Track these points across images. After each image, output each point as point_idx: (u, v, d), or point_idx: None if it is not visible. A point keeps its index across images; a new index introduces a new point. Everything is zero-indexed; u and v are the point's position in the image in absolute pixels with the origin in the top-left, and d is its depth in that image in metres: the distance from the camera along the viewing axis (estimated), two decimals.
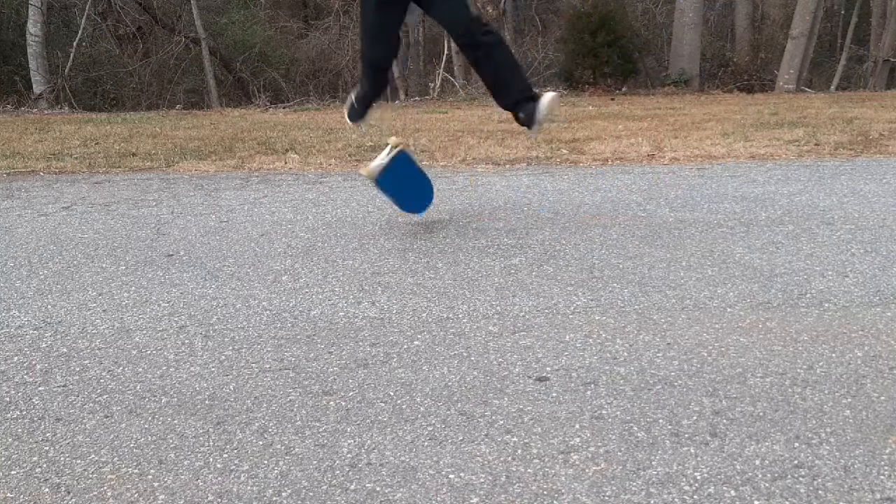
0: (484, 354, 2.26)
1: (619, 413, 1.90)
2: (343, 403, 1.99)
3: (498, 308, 2.65)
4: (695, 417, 1.87)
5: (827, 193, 4.33)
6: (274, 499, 1.59)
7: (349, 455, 1.74)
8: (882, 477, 1.60)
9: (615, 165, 5.49)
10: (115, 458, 1.75)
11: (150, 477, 1.68)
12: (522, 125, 3.29)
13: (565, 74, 13.88)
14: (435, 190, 4.58)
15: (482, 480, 1.63)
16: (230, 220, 4.05)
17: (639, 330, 2.42)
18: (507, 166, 5.52)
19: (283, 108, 11.56)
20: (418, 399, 2.00)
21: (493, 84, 3.30)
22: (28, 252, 3.48)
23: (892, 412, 1.87)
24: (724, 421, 1.85)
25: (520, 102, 3.26)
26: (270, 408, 1.97)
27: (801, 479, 1.61)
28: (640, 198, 4.33)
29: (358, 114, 3.83)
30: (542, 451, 1.73)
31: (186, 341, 2.43)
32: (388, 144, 3.49)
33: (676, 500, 1.55)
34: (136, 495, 1.61)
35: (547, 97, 3.21)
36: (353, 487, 1.62)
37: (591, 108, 9.94)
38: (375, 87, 3.71)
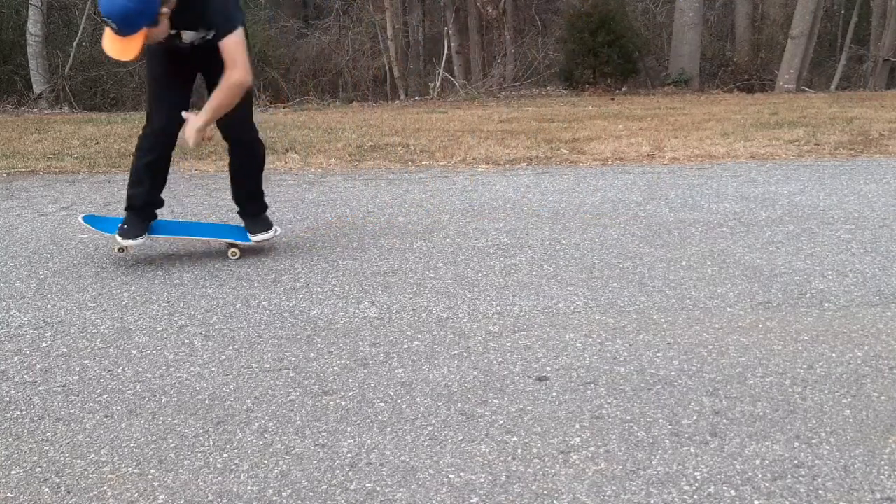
0: (484, 354, 2.26)
1: (619, 413, 1.90)
2: (343, 403, 1.99)
3: (498, 308, 2.65)
4: (695, 417, 1.87)
5: (827, 193, 4.33)
6: (274, 499, 1.59)
7: (349, 455, 1.74)
8: (882, 477, 1.60)
9: (615, 165, 5.50)
10: (116, 458, 1.75)
11: (150, 477, 1.68)
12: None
13: (565, 74, 13.89)
14: (435, 190, 4.59)
15: (482, 480, 1.63)
16: (230, 219, 4.04)
17: (639, 330, 2.42)
18: (507, 166, 5.52)
19: (283, 108, 11.56)
20: (418, 399, 2.00)
21: (232, 177, 3.39)
22: (28, 252, 3.48)
23: (892, 412, 1.87)
24: (724, 421, 1.85)
25: (245, 211, 3.42)
26: (270, 408, 1.97)
27: (801, 478, 1.61)
28: (640, 198, 4.33)
29: (138, 226, 3.21)
30: (542, 451, 1.73)
31: (186, 341, 2.43)
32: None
33: (676, 500, 1.55)
34: (136, 495, 1.61)
35: (261, 237, 3.37)
36: (353, 487, 1.62)
37: (591, 107, 9.95)
38: (156, 175, 3.22)
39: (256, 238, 3.33)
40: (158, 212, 3.33)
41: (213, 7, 2.85)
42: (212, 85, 3.05)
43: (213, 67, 2.96)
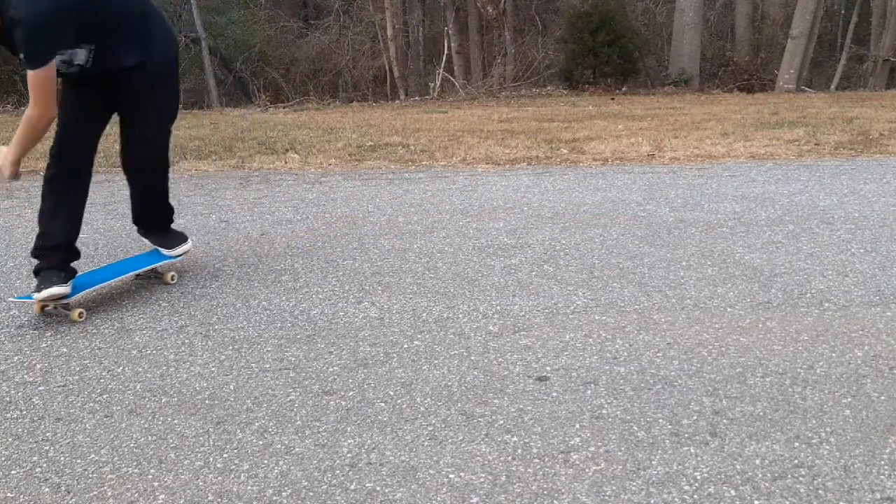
0: (484, 354, 2.26)
1: (619, 413, 1.90)
2: (343, 403, 1.99)
3: (498, 308, 2.65)
4: (695, 417, 1.87)
5: (827, 193, 4.33)
6: (274, 498, 1.59)
7: (349, 455, 1.74)
8: (882, 477, 1.61)
9: (615, 165, 5.49)
10: (116, 458, 1.75)
11: (150, 476, 1.68)
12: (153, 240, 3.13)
13: (565, 74, 13.90)
14: (435, 190, 4.58)
15: (482, 480, 1.63)
16: (230, 220, 4.05)
17: (639, 330, 2.42)
18: (507, 166, 5.52)
19: (283, 108, 11.56)
20: (418, 399, 2.00)
21: (134, 208, 3.08)
22: (28, 252, 3.48)
23: (892, 412, 1.87)
24: (724, 421, 1.85)
25: (150, 230, 3.11)
26: (270, 408, 1.97)
27: (801, 478, 1.61)
28: (640, 198, 4.33)
29: (58, 275, 2.66)
30: (542, 451, 1.73)
31: (186, 341, 2.43)
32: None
33: (676, 499, 1.55)
34: (136, 495, 1.61)
35: (183, 248, 3.09)
36: (353, 487, 1.62)
37: (591, 107, 9.94)
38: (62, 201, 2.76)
39: (178, 251, 3.06)
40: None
41: (22, 35, 2.46)
42: (124, 125, 2.83)
43: (124, 106, 2.78)
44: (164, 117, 2.90)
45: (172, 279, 3.02)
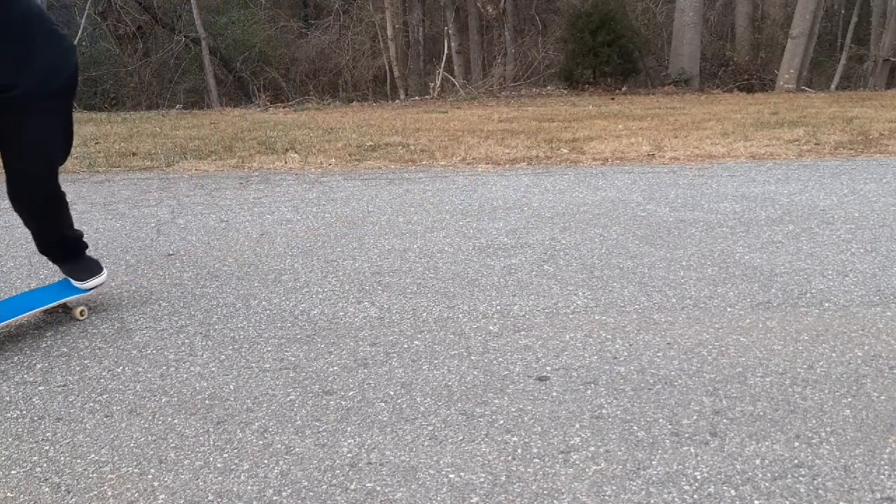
0: (484, 354, 2.26)
1: (619, 413, 1.90)
2: (343, 403, 1.99)
3: (498, 308, 2.65)
4: (695, 417, 1.87)
5: (827, 193, 4.33)
6: (274, 498, 1.59)
7: (349, 455, 1.74)
8: (882, 477, 1.61)
9: (615, 165, 5.49)
10: (116, 458, 1.75)
11: (150, 476, 1.68)
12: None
13: (565, 74, 13.90)
14: (435, 190, 4.58)
15: (482, 480, 1.63)
16: (230, 220, 4.05)
17: (639, 329, 2.42)
18: (507, 166, 5.52)
19: (283, 107, 11.56)
20: (418, 399, 2.00)
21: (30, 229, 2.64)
22: (28, 252, 3.48)
23: (892, 412, 1.87)
24: (724, 420, 1.85)
25: (58, 259, 2.74)
26: (270, 408, 1.97)
27: (801, 478, 1.61)
28: (640, 198, 4.33)
29: None
30: (542, 451, 1.73)
31: (186, 341, 2.43)
32: None
33: (676, 499, 1.55)
34: (136, 495, 1.61)
35: (96, 281, 2.72)
36: (353, 487, 1.62)
37: (591, 107, 9.94)
38: None
39: (90, 284, 2.70)
40: None
41: None
42: (6, 160, 2.40)
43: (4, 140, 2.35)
44: (42, 151, 2.41)
45: (82, 315, 2.65)
